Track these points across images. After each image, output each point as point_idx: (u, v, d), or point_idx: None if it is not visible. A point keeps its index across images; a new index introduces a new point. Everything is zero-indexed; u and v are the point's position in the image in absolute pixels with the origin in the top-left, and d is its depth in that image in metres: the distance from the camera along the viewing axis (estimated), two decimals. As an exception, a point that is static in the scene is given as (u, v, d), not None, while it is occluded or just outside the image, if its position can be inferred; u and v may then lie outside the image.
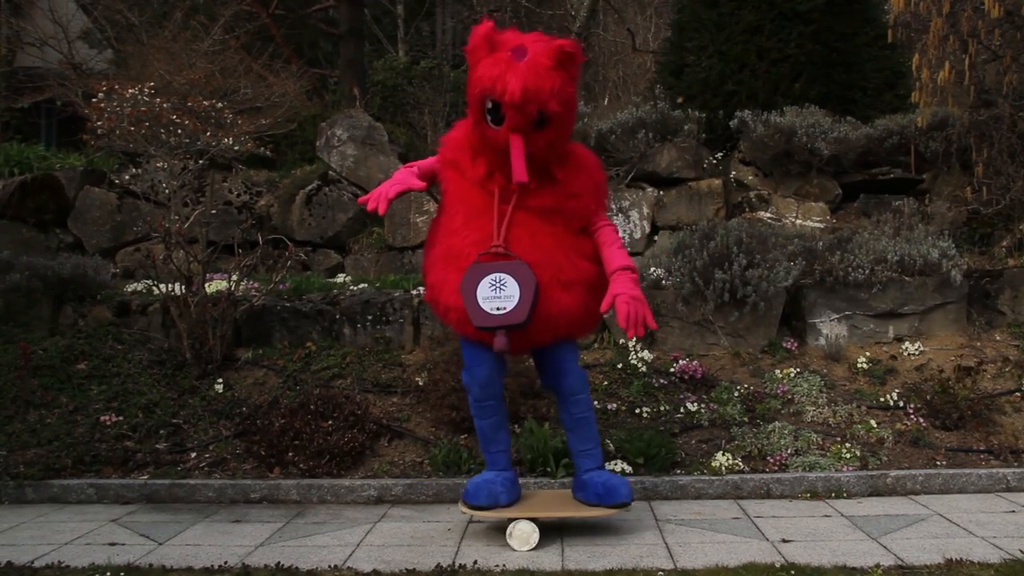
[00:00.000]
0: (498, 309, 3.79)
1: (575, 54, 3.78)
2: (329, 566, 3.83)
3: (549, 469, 4.88)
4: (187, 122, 6.42)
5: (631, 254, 7.47)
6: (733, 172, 8.25)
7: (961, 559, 3.72)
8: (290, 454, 5.07)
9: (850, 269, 6.21)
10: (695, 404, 5.60)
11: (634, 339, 6.19)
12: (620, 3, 17.35)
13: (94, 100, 6.48)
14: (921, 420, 5.43)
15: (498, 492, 4.08)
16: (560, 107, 3.76)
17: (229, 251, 6.77)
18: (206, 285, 6.19)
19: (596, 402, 5.58)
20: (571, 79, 3.82)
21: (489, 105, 3.77)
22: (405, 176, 4.09)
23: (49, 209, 8.17)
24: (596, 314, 4.10)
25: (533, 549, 3.98)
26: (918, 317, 6.35)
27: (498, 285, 3.81)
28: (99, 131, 6.41)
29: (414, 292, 6.50)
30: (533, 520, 4.03)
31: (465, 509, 4.14)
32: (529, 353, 4.31)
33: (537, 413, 5.37)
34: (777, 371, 5.95)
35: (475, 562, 3.83)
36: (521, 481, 4.80)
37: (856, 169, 7.98)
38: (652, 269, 6.62)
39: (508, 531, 4.03)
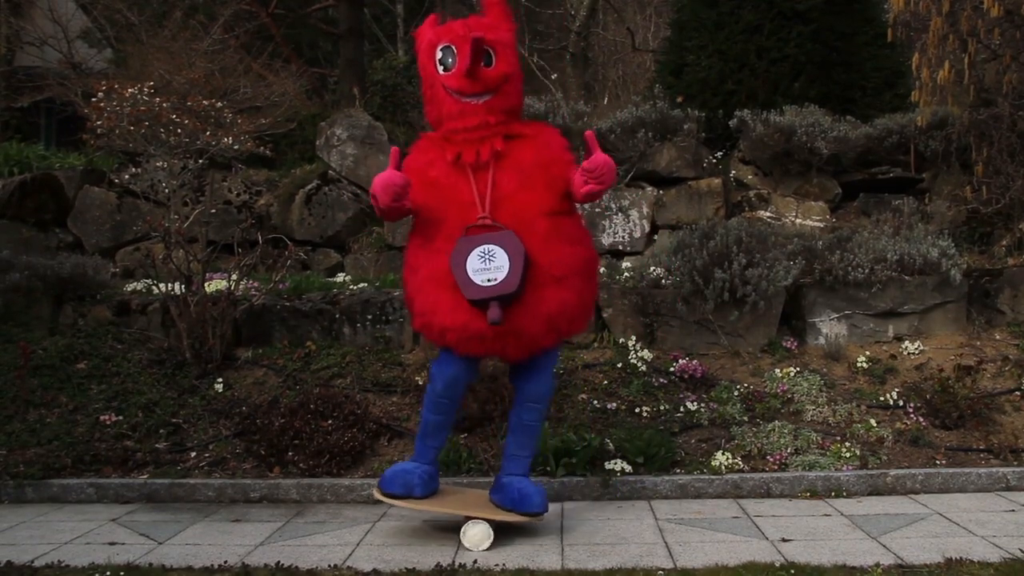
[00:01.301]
0: (489, 280, 3.77)
1: (501, 3, 4.19)
2: (329, 565, 3.83)
3: (549, 468, 4.88)
4: (187, 121, 6.41)
5: (631, 253, 7.60)
6: (733, 171, 8.25)
7: (961, 558, 3.72)
8: (290, 453, 5.07)
9: (850, 268, 6.22)
10: (695, 403, 5.60)
11: (633, 339, 6.20)
12: (620, 2, 17.35)
13: (94, 99, 6.47)
14: (921, 419, 5.43)
15: (414, 484, 4.07)
16: (502, 36, 4.08)
17: (229, 250, 6.77)
18: (206, 284, 6.19)
19: (596, 401, 5.59)
20: (507, 27, 4.16)
21: (439, 54, 4.05)
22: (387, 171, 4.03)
23: (49, 209, 8.16)
24: (590, 303, 4.19)
25: (487, 550, 3.96)
26: (918, 316, 6.35)
27: (487, 257, 3.79)
28: (99, 130, 6.41)
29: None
30: (469, 519, 4.03)
31: (378, 495, 4.12)
32: (528, 357, 4.15)
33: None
34: (777, 370, 5.95)
35: (475, 561, 3.83)
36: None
37: (856, 168, 7.98)
38: (652, 268, 6.62)
39: (462, 531, 4.03)
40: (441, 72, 4.04)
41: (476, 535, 4.01)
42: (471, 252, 3.80)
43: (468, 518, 4.04)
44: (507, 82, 4.05)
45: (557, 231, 3.97)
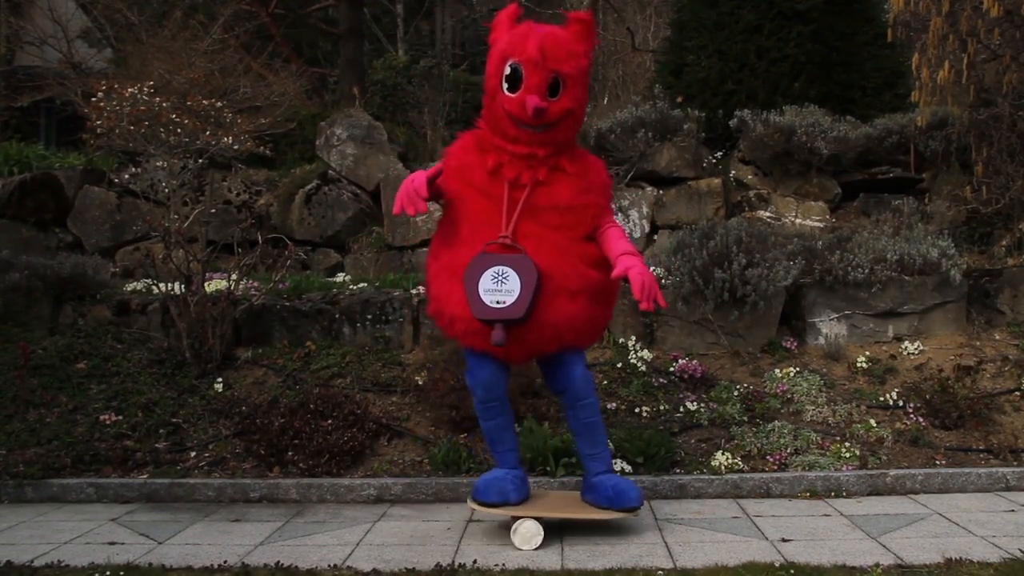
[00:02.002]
0: (498, 303, 3.79)
1: (589, 22, 4.02)
2: (329, 565, 3.83)
3: (549, 468, 4.88)
4: (186, 121, 6.41)
5: (631, 253, 7.58)
6: (733, 171, 8.25)
7: (960, 558, 3.72)
8: (290, 453, 5.07)
9: (850, 268, 6.22)
10: (695, 403, 5.60)
11: (633, 339, 6.20)
12: (620, 2, 17.34)
13: (93, 99, 6.47)
14: (921, 419, 5.43)
15: (508, 490, 4.08)
16: (574, 71, 3.92)
17: (229, 250, 6.77)
18: (205, 284, 6.19)
19: (596, 401, 5.59)
20: (584, 52, 3.99)
21: (507, 71, 3.90)
22: (418, 175, 4.01)
23: (48, 208, 8.16)
24: (601, 323, 4.14)
25: (535, 549, 3.97)
26: (918, 316, 6.35)
27: (500, 278, 3.81)
28: (98, 130, 6.41)
29: (414, 291, 6.51)
30: (539, 520, 4.03)
31: (475, 506, 4.14)
32: (534, 360, 4.27)
33: (537, 412, 5.37)
34: (777, 370, 5.95)
35: (475, 561, 3.83)
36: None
37: (856, 168, 7.98)
38: (652, 268, 6.62)
39: (513, 528, 4.03)
40: (504, 89, 3.92)
41: (527, 532, 4.00)
42: (486, 271, 3.83)
43: (531, 519, 4.02)
44: (568, 117, 3.97)
45: (578, 253, 3.97)
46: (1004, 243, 7.16)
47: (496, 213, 3.94)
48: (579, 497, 4.26)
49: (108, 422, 5.48)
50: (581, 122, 4.20)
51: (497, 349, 3.90)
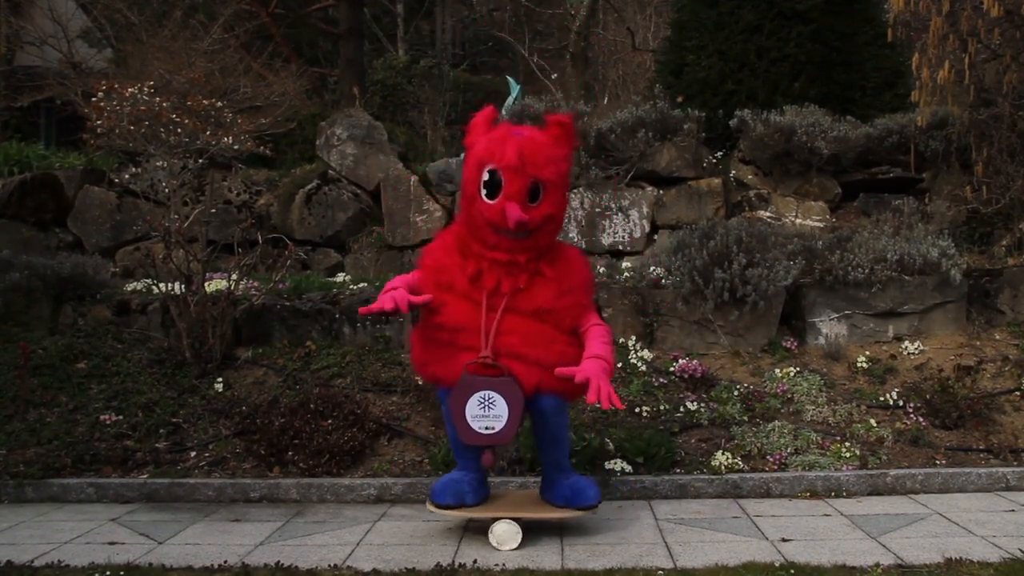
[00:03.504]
0: (487, 429, 3.86)
1: (569, 125, 4.01)
2: (329, 565, 3.83)
3: (542, 467, 4.87)
4: (187, 121, 6.41)
5: (631, 253, 7.60)
6: (733, 171, 8.25)
7: (960, 558, 3.72)
8: (290, 453, 5.07)
9: (850, 268, 6.22)
10: (695, 403, 5.60)
11: (633, 339, 6.20)
12: (620, 2, 17.36)
13: (94, 99, 6.47)
14: (921, 419, 5.43)
15: (465, 492, 4.09)
16: (554, 176, 3.90)
17: (229, 250, 6.77)
18: (206, 284, 6.19)
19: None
20: (564, 156, 3.98)
21: (486, 177, 3.87)
22: (403, 292, 3.99)
23: (49, 208, 8.16)
24: (581, 387, 3.98)
25: (518, 548, 3.97)
26: (918, 316, 6.35)
27: (487, 403, 3.86)
28: (99, 130, 6.41)
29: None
30: (496, 520, 4.04)
31: (432, 508, 4.15)
32: None
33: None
34: (777, 370, 5.95)
35: (475, 561, 3.83)
36: (520, 480, 4.82)
37: (856, 168, 7.98)
38: (652, 268, 6.63)
39: (489, 531, 4.03)
40: (483, 196, 3.89)
41: (504, 533, 4.01)
42: (471, 396, 3.86)
43: (507, 519, 4.04)
44: (548, 222, 3.96)
45: (563, 340, 3.98)
46: (1004, 243, 7.16)
47: (476, 318, 3.93)
48: (538, 496, 4.26)
49: (108, 422, 5.48)
50: (561, 225, 4.19)
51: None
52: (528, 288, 3.97)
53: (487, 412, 3.85)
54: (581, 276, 4.13)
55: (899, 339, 6.30)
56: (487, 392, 3.85)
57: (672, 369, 5.95)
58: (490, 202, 3.87)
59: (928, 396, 5.52)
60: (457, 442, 4.17)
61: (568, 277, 4.04)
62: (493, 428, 3.85)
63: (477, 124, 4.06)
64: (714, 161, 8.20)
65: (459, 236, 4.11)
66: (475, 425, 3.86)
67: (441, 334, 4.00)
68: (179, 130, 6.36)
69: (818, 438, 5.20)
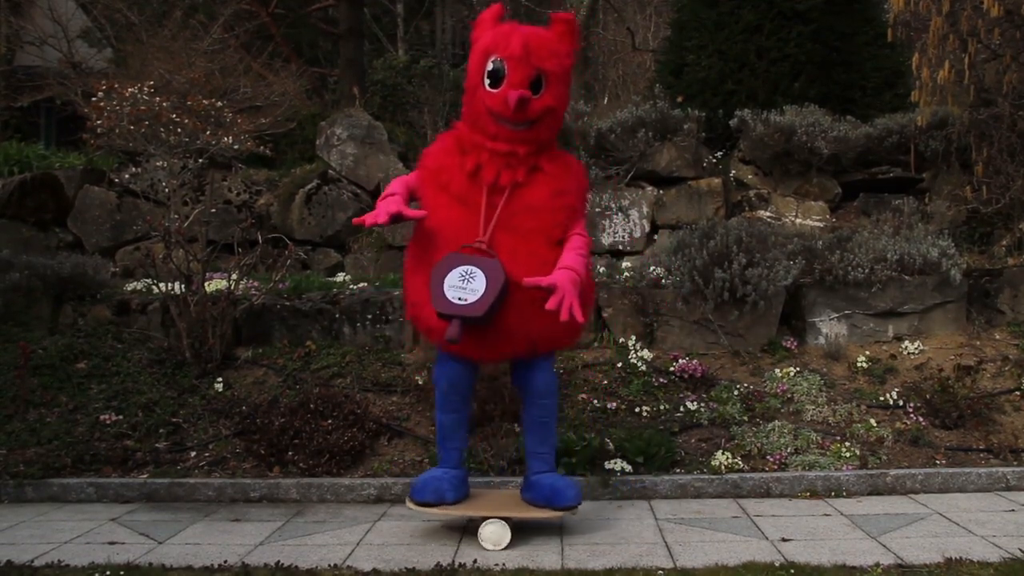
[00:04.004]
0: (459, 299, 3.78)
1: (572, 22, 4.05)
2: (329, 565, 3.83)
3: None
4: (187, 121, 6.41)
5: (631, 253, 7.60)
6: (733, 171, 8.25)
7: (960, 558, 3.72)
8: (290, 453, 5.07)
9: (850, 268, 6.22)
10: (695, 403, 5.60)
11: (633, 339, 6.20)
12: (620, 2, 17.35)
13: (94, 99, 6.47)
14: (921, 419, 5.43)
15: (444, 489, 4.08)
16: (557, 68, 3.93)
17: (229, 250, 6.77)
18: (206, 284, 6.19)
19: (596, 401, 5.59)
20: (567, 52, 4.00)
21: (490, 67, 3.91)
22: (397, 200, 3.98)
23: (49, 208, 8.16)
24: (576, 327, 4.01)
25: (508, 548, 3.97)
26: (918, 316, 6.35)
27: (467, 277, 3.81)
28: (99, 130, 6.40)
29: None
30: (485, 520, 4.04)
31: (411, 505, 4.15)
32: (504, 360, 4.27)
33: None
34: (777, 370, 5.95)
35: (475, 561, 3.83)
36: (520, 479, 4.81)
37: (856, 168, 7.98)
38: (652, 268, 6.62)
39: (478, 533, 4.03)
40: (486, 85, 3.92)
41: (493, 534, 4.01)
42: (454, 269, 3.82)
43: (497, 519, 4.03)
44: (549, 115, 3.98)
45: (552, 260, 3.92)
46: (1004, 243, 7.16)
47: (472, 221, 3.92)
48: (519, 496, 4.25)
49: (108, 422, 5.48)
50: (561, 122, 4.21)
51: (470, 352, 3.93)
52: (526, 184, 3.97)
53: (465, 285, 3.79)
54: (578, 180, 4.16)
55: (899, 339, 6.30)
56: (470, 267, 3.81)
57: (672, 369, 5.94)
58: (493, 91, 3.90)
59: (928, 396, 5.52)
60: (444, 428, 4.17)
61: (565, 178, 4.06)
62: (466, 299, 3.76)
63: (484, 20, 4.08)
64: (714, 161, 8.20)
65: (458, 136, 4.12)
66: (449, 294, 3.77)
67: (438, 238, 3.94)
68: (179, 130, 6.36)
69: (818, 438, 5.20)
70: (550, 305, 3.68)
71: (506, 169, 3.95)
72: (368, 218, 3.84)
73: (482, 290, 3.77)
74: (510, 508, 4.15)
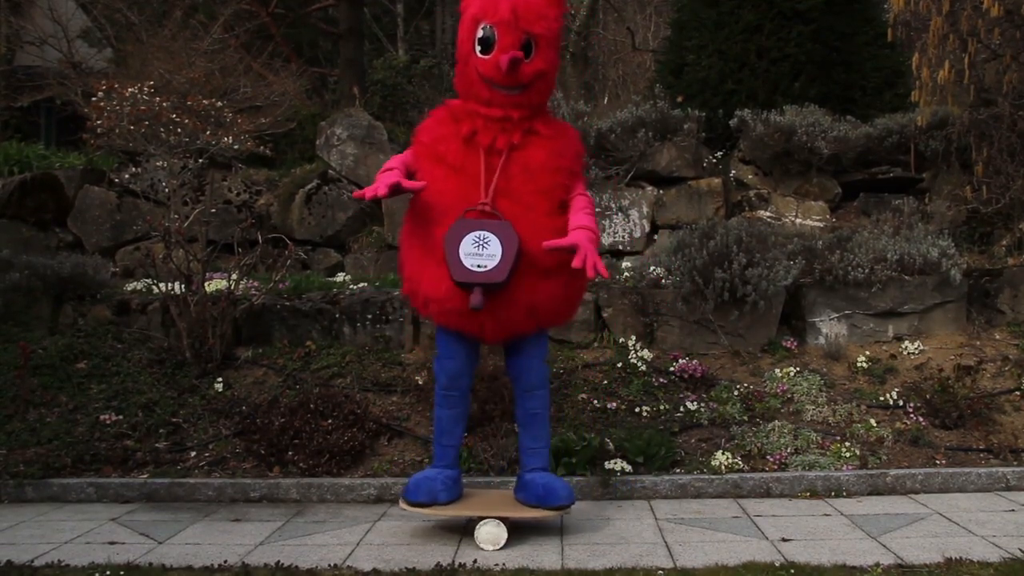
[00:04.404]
0: (479, 267, 3.78)
1: None
2: (329, 565, 3.83)
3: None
4: (187, 121, 6.41)
5: (631, 253, 7.59)
6: (733, 171, 8.25)
7: (961, 558, 3.73)
8: (290, 453, 5.07)
9: (850, 268, 6.22)
10: (695, 403, 5.60)
11: (633, 339, 6.20)
12: (620, 2, 17.35)
13: (94, 99, 6.47)
14: (921, 419, 5.43)
15: (437, 490, 4.09)
16: (546, 32, 3.97)
17: (229, 250, 6.77)
18: (206, 284, 6.19)
19: (596, 401, 5.59)
20: (556, 16, 4.04)
21: (480, 33, 3.94)
22: (397, 173, 4.00)
23: (49, 208, 8.16)
24: (575, 300, 4.14)
25: (504, 548, 3.97)
26: (918, 316, 6.35)
27: (481, 243, 3.81)
28: (99, 130, 6.40)
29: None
30: (482, 520, 4.04)
31: (404, 505, 4.15)
32: (505, 339, 4.21)
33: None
34: (777, 370, 5.95)
35: (475, 561, 3.83)
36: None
37: (856, 168, 7.97)
38: (652, 268, 6.62)
39: (475, 534, 4.03)
40: (478, 52, 3.96)
41: (488, 534, 4.01)
42: (466, 235, 3.81)
43: (494, 519, 4.03)
44: (541, 79, 4.01)
45: (553, 228, 3.95)
46: (1004, 243, 7.16)
47: (471, 189, 3.94)
48: (512, 496, 4.25)
49: (108, 422, 5.48)
50: (553, 86, 4.23)
51: (470, 326, 3.92)
52: (523, 146, 4.00)
53: (481, 251, 3.79)
54: (573, 143, 4.20)
55: (899, 339, 6.30)
56: (482, 232, 3.82)
57: (672, 369, 5.95)
58: (484, 57, 3.93)
59: (928, 396, 5.52)
60: (441, 424, 4.17)
61: (561, 140, 4.12)
62: (485, 266, 3.77)
63: None
64: (714, 161, 8.20)
65: (451, 108, 4.15)
66: (467, 263, 3.77)
67: (435, 208, 3.94)
68: (179, 130, 6.36)
69: (818, 438, 5.20)
70: (576, 264, 3.74)
71: (501, 133, 3.98)
72: (368, 191, 3.83)
73: (499, 254, 3.78)
74: (503, 508, 4.15)
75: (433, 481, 4.11)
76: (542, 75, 4.00)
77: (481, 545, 4.00)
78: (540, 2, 3.99)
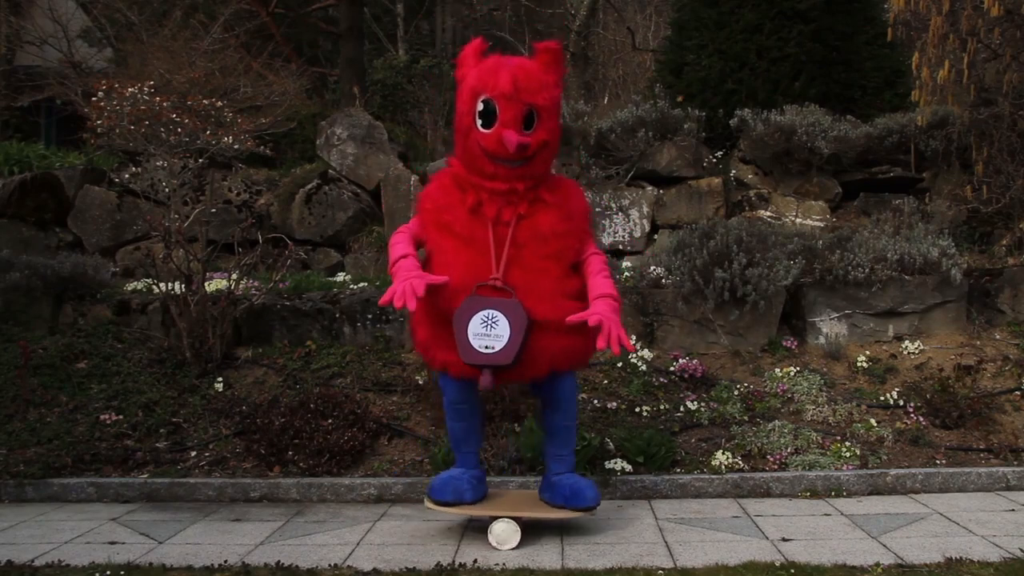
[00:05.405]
0: (487, 348, 3.77)
1: (558, 51, 4.01)
2: (329, 565, 3.83)
3: (544, 464, 4.87)
4: (187, 121, 6.41)
5: (631, 253, 7.59)
6: (733, 171, 8.25)
7: (961, 558, 3.73)
8: (290, 453, 5.07)
9: (850, 268, 6.22)
10: (695, 403, 5.60)
11: (633, 338, 6.19)
12: (620, 2, 17.36)
13: (94, 99, 6.47)
14: (921, 419, 5.43)
15: (463, 489, 4.09)
16: (548, 102, 3.91)
17: (229, 250, 6.77)
18: (206, 284, 6.19)
19: (596, 400, 5.59)
20: (555, 82, 3.98)
21: (480, 106, 3.86)
22: (415, 265, 3.88)
23: (49, 208, 8.16)
24: (590, 349, 3.99)
25: (517, 547, 3.97)
26: (918, 316, 6.35)
27: (490, 322, 3.79)
28: (99, 130, 6.41)
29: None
30: (495, 519, 4.04)
31: (430, 504, 4.16)
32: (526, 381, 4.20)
33: (537, 412, 5.36)
34: (777, 370, 5.95)
35: (475, 561, 3.83)
36: (520, 479, 4.83)
37: (856, 168, 7.97)
38: (652, 268, 6.62)
39: (489, 530, 4.04)
40: (479, 126, 3.88)
41: (503, 532, 4.01)
42: (475, 314, 3.79)
43: (506, 518, 4.03)
44: (545, 148, 3.95)
45: (566, 291, 3.94)
46: (1004, 242, 7.16)
47: (481, 260, 3.88)
48: (537, 496, 4.26)
49: (108, 421, 5.48)
50: (556, 152, 4.16)
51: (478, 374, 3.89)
52: (530, 215, 3.95)
53: (489, 331, 3.77)
54: (580, 203, 4.15)
55: (899, 339, 6.30)
56: (491, 311, 3.78)
57: (672, 369, 5.95)
58: (486, 131, 3.86)
59: (928, 396, 5.52)
60: (457, 435, 4.16)
61: (568, 203, 4.06)
62: (493, 348, 3.75)
63: (467, 56, 4.03)
64: (714, 161, 8.20)
65: (454, 174, 4.08)
66: (475, 343, 3.76)
67: (444, 302, 3.87)
68: (179, 130, 6.36)
69: (818, 438, 5.20)
70: (600, 345, 3.71)
71: (507, 206, 3.93)
72: (397, 301, 3.67)
73: (507, 335, 3.76)
74: (527, 508, 4.16)
75: (459, 480, 4.11)
76: (546, 145, 3.94)
77: (495, 543, 3.99)
78: (539, 70, 3.94)
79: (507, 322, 3.77)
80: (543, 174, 4.05)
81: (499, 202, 3.93)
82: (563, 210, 4.01)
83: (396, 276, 3.80)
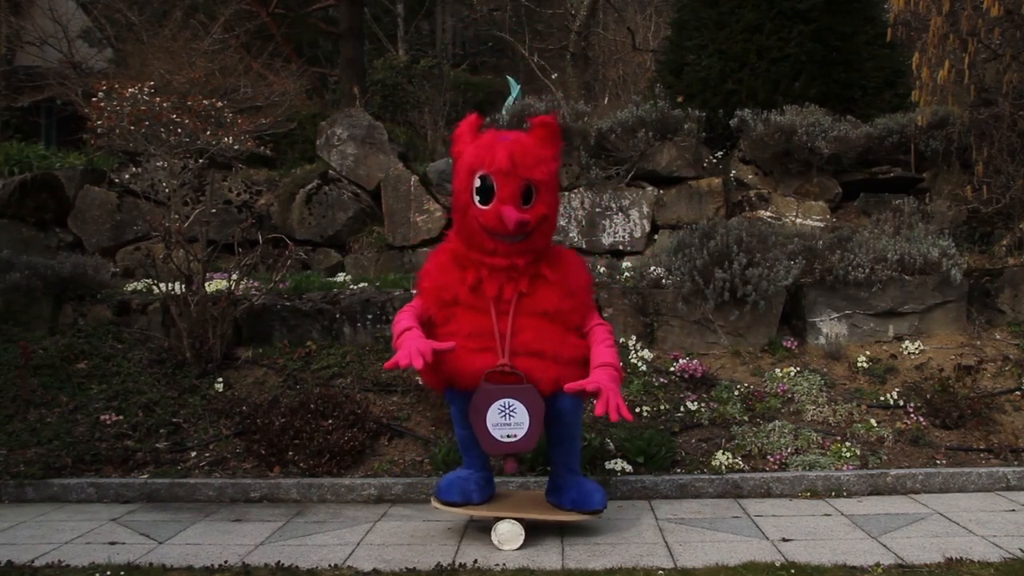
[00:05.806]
0: (508, 437, 3.85)
1: (554, 125, 4.01)
2: (329, 565, 3.83)
3: (550, 468, 4.87)
4: (187, 121, 6.41)
5: (631, 253, 7.60)
6: (733, 171, 8.25)
7: (961, 558, 3.73)
8: (290, 453, 5.07)
9: (850, 268, 6.22)
10: (695, 403, 5.60)
11: (634, 339, 6.20)
12: (620, 2, 17.36)
13: (94, 99, 6.47)
14: (921, 419, 5.43)
15: (471, 490, 4.10)
16: (546, 176, 3.91)
17: (229, 250, 6.77)
18: (206, 284, 6.19)
19: (596, 400, 5.58)
20: (552, 156, 3.98)
21: (478, 183, 3.88)
22: (420, 335, 3.83)
23: (49, 208, 8.17)
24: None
25: (520, 548, 3.97)
26: (918, 316, 6.35)
27: (507, 411, 3.84)
28: (99, 130, 6.41)
29: (414, 291, 6.49)
30: (500, 519, 4.04)
31: (437, 504, 4.17)
32: None
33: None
34: (777, 370, 5.95)
35: (475, 561, 3.83)
36: (520, 480, 4.82)
37: (856, 168, 7.97)
38: (652, 268, 6.62)
39: (492, 529, 4.04)
40: (477, 202, 3.89)
41: (507, 533, 4.01)
42: (492, 404, 3.84)
43: (510, 519, 4.04)
44: (544, 222, 3.95)
45: (571, 335, 4.00)
46: (1005, 243, 7.16)
47: (484, 345, 3.90)
48: (542, 497, 4.27)
49: (108, 422, 5.49)
50: (555, 226, 4.16)
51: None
52: (532, 292, 3.97)
53: (508, 420, 3.84)
54: (582, 277, 4.16)
55: (899, 339, 6.30)
56: (507, 400, 3.83)
57: (672, 369, 5.95)
58: (484, 208, 3.87)
59: (928, 396, 5.52)
60: (465, 441, 4.17)
61: (569, 279, 4.07)
62: (515, 436, 3.84)
63: (463, 132, 4.05)
64: (714, 161, 8.20)
65: (453, 251, 4.09)
66: (496, 434, 3.84)
67: (456, 344, 3.91)
68: (179, 130, 6.37)
69: (818, 438, 5.20)
70: (598, 411, 3.75)
71: (508, 282, 3.94)
72: (403, 362, 3.64)
73: (527, 423, 3.83)
74: (535, 509, 4.16)
75: (467, 481, 4.12)
76: (545, 219, 3.95)
77: (498, 544, 3.99)
78: (534, 144, 3.94)
79: (525, 409, 3.84)
80: (543, 248, 4.05)
81: (500, 279, 3.94)
82: (564, 287, 4.02)
83: (401, 346, 3.77)
